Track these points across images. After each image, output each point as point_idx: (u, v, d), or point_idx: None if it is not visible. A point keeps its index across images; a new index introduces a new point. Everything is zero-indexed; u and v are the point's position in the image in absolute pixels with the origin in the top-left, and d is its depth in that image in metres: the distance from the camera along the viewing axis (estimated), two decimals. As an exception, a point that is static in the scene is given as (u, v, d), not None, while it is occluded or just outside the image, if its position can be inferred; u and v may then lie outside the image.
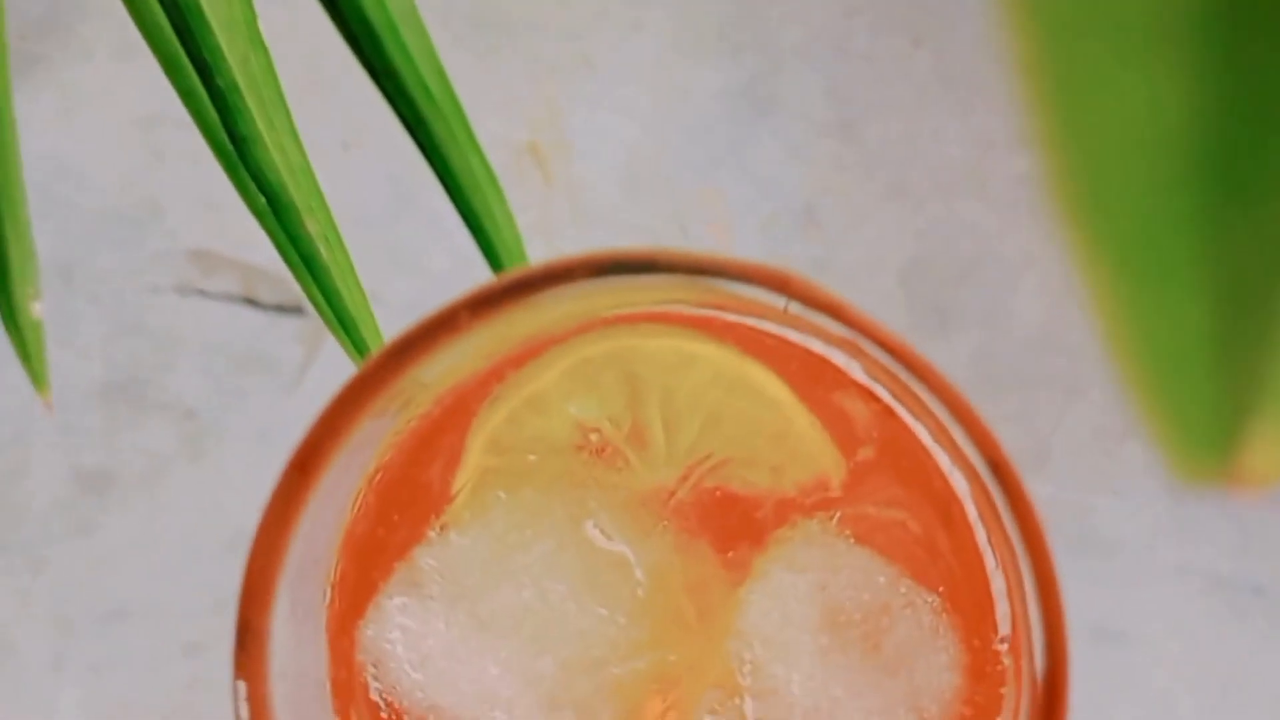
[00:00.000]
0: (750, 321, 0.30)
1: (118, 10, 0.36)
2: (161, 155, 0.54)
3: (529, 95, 0.52)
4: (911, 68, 0.52)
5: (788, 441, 0.30)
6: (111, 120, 0.54)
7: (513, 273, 0.25)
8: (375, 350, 0.26)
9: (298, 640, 0.28)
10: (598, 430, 0.30)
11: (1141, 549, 0.45)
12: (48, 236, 0.56)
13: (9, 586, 0.50)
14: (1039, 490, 0.46)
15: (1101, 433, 0.49)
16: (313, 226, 0.35)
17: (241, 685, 0.26)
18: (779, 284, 0.23)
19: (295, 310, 0.53)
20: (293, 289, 0.53)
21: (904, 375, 0.24)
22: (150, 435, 0.52)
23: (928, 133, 0.51)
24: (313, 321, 0.53)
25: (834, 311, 0.23)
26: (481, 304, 0.26)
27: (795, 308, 0.24)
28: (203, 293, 0.53)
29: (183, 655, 0.50)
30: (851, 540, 0.29)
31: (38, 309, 0.41)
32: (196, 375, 0.52)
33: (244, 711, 0.26)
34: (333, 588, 0.29)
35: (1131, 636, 0.48)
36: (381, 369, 0.25)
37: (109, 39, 0.56)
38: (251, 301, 0.52)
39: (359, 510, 0.30)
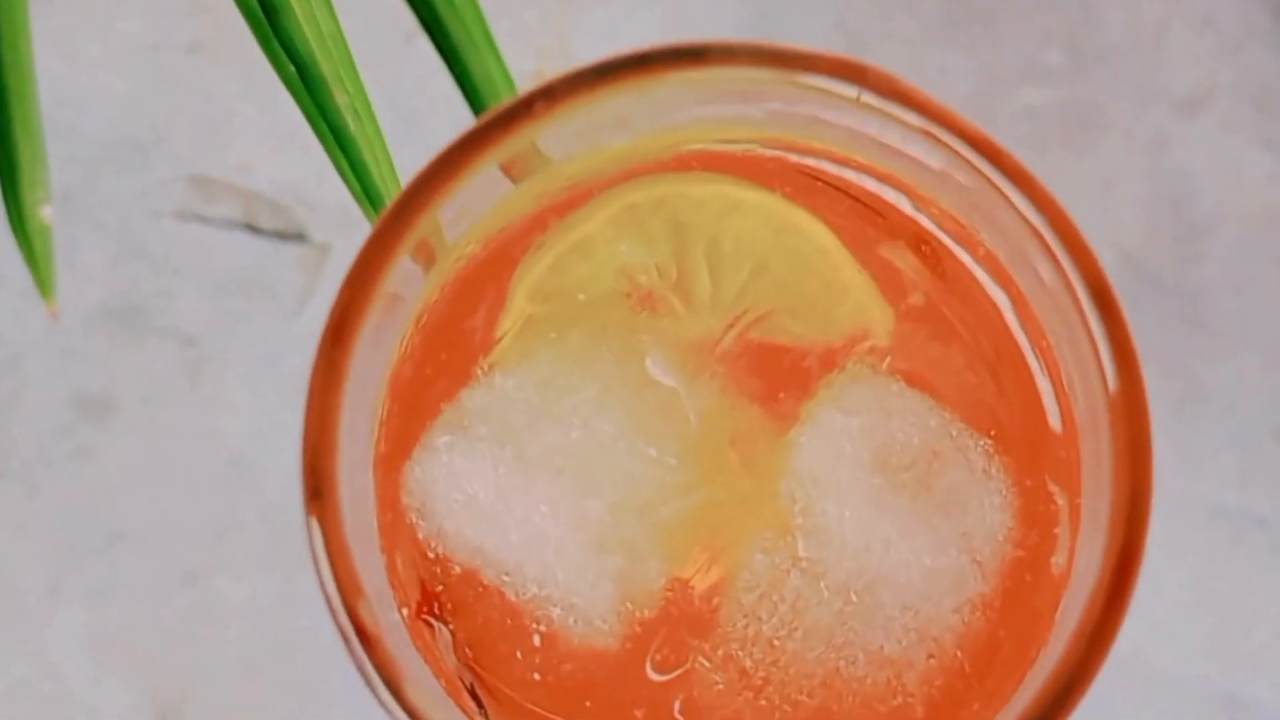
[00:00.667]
0: (802, 161, 0.30)
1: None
2: (166, 82, 0.54)
3: (538, 25, 0.52)
4: (918, 4, 0.52)
5: (835, 290, 0.30)
6: (115, 47, 0.53)
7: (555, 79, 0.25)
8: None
9: (350, 483, 0.27)
10: (644, 276, 0.30)
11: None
12: (50, 162, 0.55)
13: (6, 512, 0.49)
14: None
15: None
16: (341, 98, 0.35)
17: (315, 525, 0.25)
18: (855, 72, 0.23)
19: (297, 237, 0.52)
20: (294, 216, 0.52)
21: (985, 166, 0.23)
22: (150, 360, 0.51)
23: (934, 68, 0.52)
24: (314, 249, 0.52)
25: (909, 98, 0.23)
26: (493, 127, 0.26)
27: (869, 97, 0.24)
28: (203, 219, 0.52)
29: (181, 582, 0.49)
30: (903, 383, 0.29)
31: (47, 213, 0.40)
32: (197, 301, 0.51)
33: (320, 551, 0.26)
34: (380, 427, 0.29)
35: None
36: (411, 202, 0.25)
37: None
38: (252, 228, 0.52)
39: (405, 352, 0.29)
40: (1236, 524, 0.49)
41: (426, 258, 0.27)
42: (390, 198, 0.34)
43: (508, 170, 0.27)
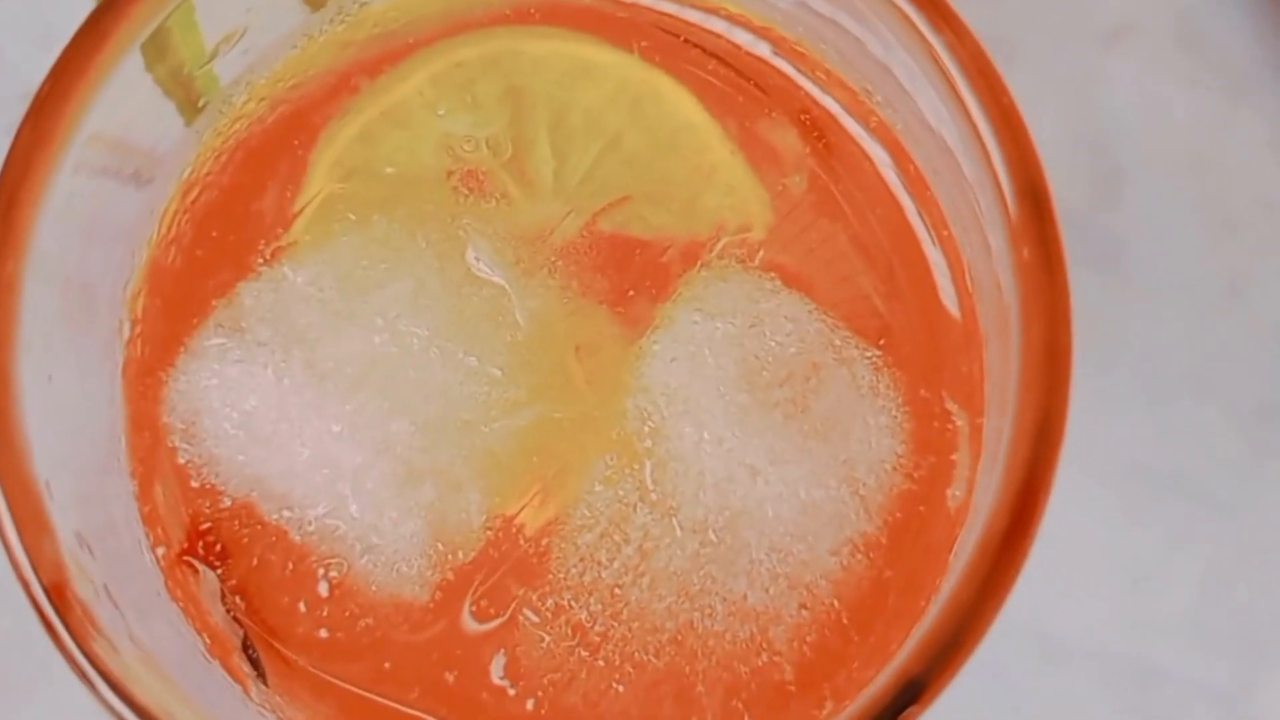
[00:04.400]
0: (662, 8, 0.24)
1: None
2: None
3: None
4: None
5: (701, 172, 0.25)
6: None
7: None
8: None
9: (76, 383, 0.21)
10: (471, 150, 0.25)
11: None
12: None
13: None
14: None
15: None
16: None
17: None
18: None
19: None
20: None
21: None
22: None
23: None
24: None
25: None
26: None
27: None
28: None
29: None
30: (778, 281, 0.24)
31: None
32: None
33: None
34: (134, 323, 0.23)
35: (1044, 523, 0.44)
36: None
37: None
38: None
39: (170, 233, 0.24)
40: (1150, 481, 0.45)
41: (184, 92, 0.21)
42: None
43: None
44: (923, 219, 0.24)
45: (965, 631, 0.18)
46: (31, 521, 0.19)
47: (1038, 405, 0.20)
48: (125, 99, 0.20)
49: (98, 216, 0.22)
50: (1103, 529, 0.43)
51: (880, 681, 0.18)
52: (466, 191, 0.25)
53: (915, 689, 0.18)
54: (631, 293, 0.24)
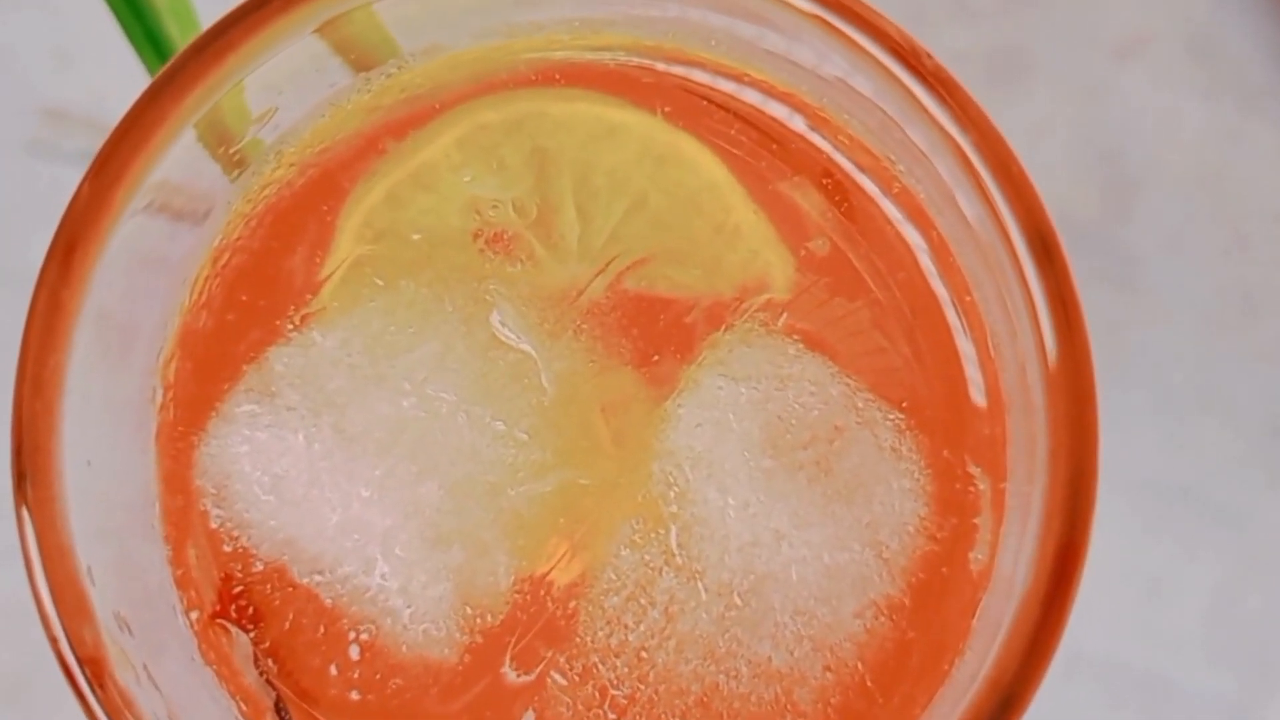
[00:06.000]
0: (687, 75, 0.25)
1: None
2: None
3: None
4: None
5: (725, 233, 0.25)
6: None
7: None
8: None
9: (111, 455, 0.22)
10: (497, 210, 0.25)
11: None
12: None
13: None
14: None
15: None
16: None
17: (26, 516, 0.20)
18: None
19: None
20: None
21: (900, 71, 0.19)
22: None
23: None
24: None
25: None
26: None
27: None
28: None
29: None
30: (801, 345, 0.24)
31: None
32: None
33: (33, 550, 0.20)
34: (166, 389, 0.24)
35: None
36: (193, 61, 0.19)
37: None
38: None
39: (201, 298, 0.24)
40: (1162, 495, 0.46)
41: (231, 161, 0.22)
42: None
43: (344, 52, 0.22)
44: (945, 285, 0.24)
45: (1012, 700, 0.18)
46: (74, 610, 0.19)
47: (1067, 478, 0.20)
48: (175, 163, 0.20)
49: (133, 288, 0.22)
50: (1116, 542, 0.44)
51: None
52: (493, 254, 0.25)
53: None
54: (656, 357, 0.24)
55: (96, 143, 0.48)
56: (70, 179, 0.47)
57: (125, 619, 0.20)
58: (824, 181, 0.24)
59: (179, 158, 0.20)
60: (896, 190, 0.24)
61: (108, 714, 0.18)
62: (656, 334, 0.25)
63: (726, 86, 0.24)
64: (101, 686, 0.18)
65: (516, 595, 0.24)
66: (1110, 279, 0.47)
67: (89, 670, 0.18)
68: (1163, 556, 0.46)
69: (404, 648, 0.24)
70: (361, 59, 0.22)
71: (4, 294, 0.44)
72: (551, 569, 0.24)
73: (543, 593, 0.24)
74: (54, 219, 0.46)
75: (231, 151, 0.22)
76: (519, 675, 0.24)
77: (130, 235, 0.20)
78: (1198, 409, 0.46)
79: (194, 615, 0.23)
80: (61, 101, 0.46)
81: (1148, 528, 0.46)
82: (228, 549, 0.24)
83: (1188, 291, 0.47)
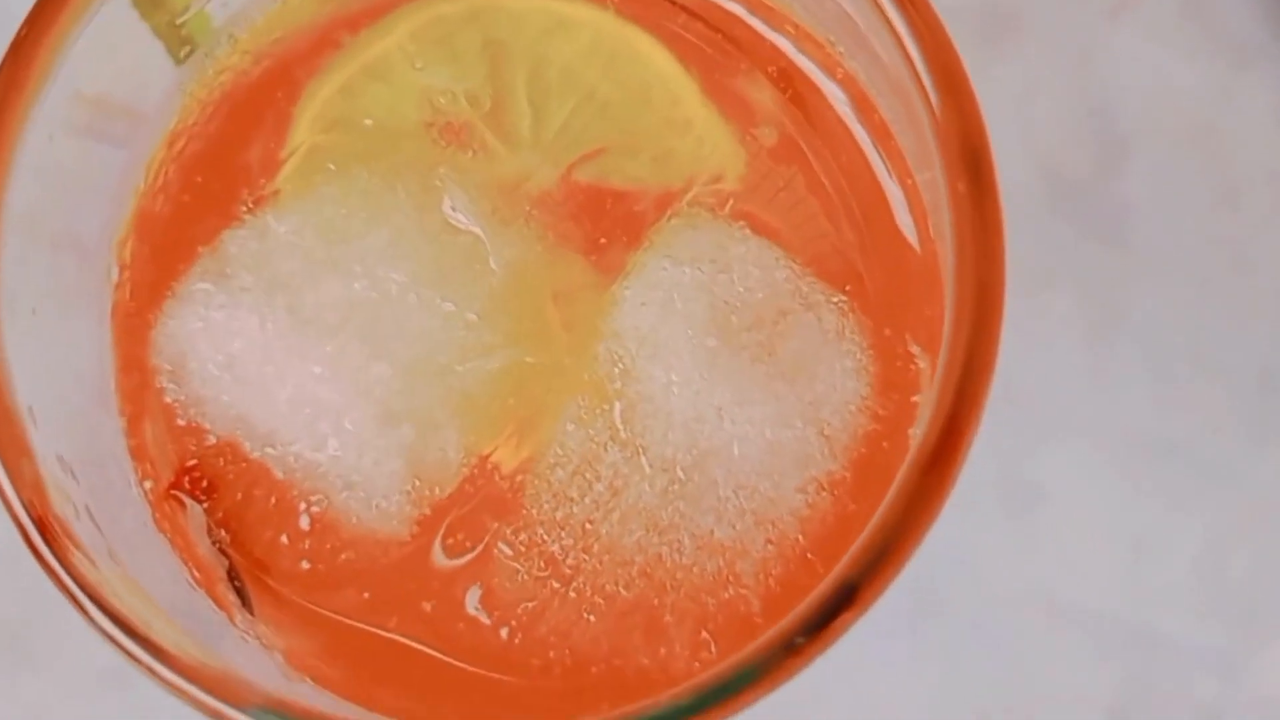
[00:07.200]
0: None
1: None
2: None
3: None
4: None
5: (676, 125, 0.25)
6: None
7: None
8: None
9: (59, 316, 0.22)
10: (451, 103, 0.25)
11: (1060, 402, 0.42)
12: None
13: None
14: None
15: (1020, 279, 0.46)
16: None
17: None
18: None
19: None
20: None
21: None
22: None
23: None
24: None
25: None
26: None
27: None
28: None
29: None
30: (747, 229, 0.25)
31: None
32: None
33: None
34: (122, 269, 0.24)
35: (1047, 490, 0.44)
36: None
37: None
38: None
39: (157, 181, 0.25)
40: (1150, 451, 0.45)
41: (175, 36, 0.22)
42: None
43: None
44: (886, 166, 0.24)
45: (896, 543, 0.19)
46: (10, 444, 0.19)
47: (969, 338, 0.20)
48: (111, 44, 0.20)
49: (82, 170, 0.22)
50: (1104, 497, 0.44)
51: (819, 590, 0.18)
52: (445, 143, 0.25)
53: (849, 593, 0.18)
54: (604, 241, 0.25)
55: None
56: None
57: (70, 465, 0.21)
58: (770, 70, 0.25)
59: (117, 43, 0.20)
60: (840, 75, 0.24)
61: (46, 540, 0.19)
62: (606, 223, 0.25)
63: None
64: (41, 518, 0.19)
65: (465, 470, 0.24)
66: (1101, 236, 0.47)
67: (24, 497, 0.19)
68: (1151, 512, 0.45)
69: (354, 520, 0.24)
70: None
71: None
72: (499, 445, 0.25)
73: (490, 468, 0.24)
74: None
75: (178, 24, 0.23)
76: (467, 546, 0.24)
77: (71, 110, 0.20)
78: (1188, 365, 0.46)
79: (148, 485, 0.24)
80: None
81: (1136, 484, 0.46)
82: (182, 424, 0.24)
83: (1179, 248, 0.47)
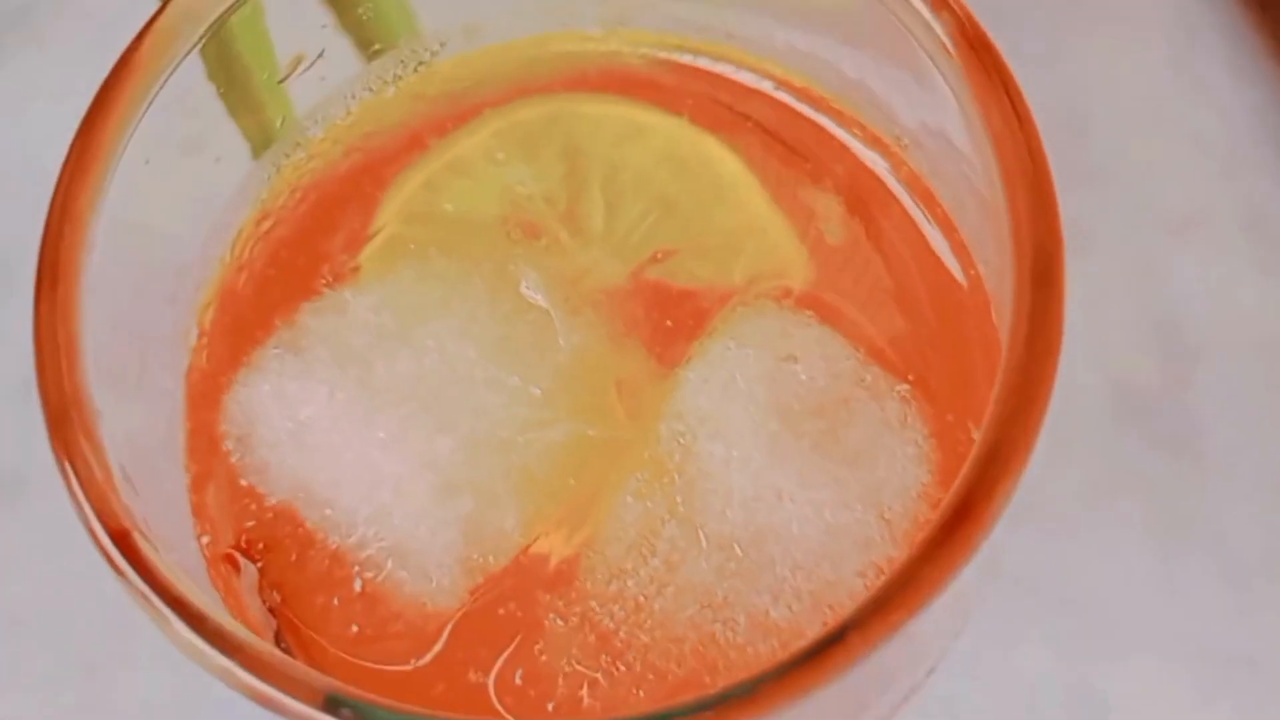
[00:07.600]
0: (713, 69, 0.26)
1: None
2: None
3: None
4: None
5: (743, 229, 0.26)
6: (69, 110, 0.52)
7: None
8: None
9: (145, 401, 0.23)
10: (528, 199, 0.26)
11: (1131, 613, 0.41)
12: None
13: None
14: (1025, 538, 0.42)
15: (1090, 489, 0.46)
16: None
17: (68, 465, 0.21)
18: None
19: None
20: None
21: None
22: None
23: None
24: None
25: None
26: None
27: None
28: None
29: (80, 673, 0.44)
30: (812, 318, 0.25)
31: None
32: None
33: (76, 488, 0.21)
34: (201, 334, 0.25)
35: (1114, 703, 0.43)
36: None
37: (67, 29, 0.54)
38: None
39: (243, 256, 0.26)
40: (1224, 664, 0.44)
41: (254, 117, 0.23)
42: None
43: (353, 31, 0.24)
44: (953, 256, 0.25)
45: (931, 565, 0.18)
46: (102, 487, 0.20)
47: (1011, 411, 0.20)
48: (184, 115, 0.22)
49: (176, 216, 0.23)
50: (1174, 711, 0.42)
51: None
52: (522, 238, 0.26)
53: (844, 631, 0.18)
54: (670, 332, 0.25)
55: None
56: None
57: (131, 479, 0.21)
58: (837, 169, 0.26)
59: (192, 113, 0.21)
60: (904, 174, 0.25)
61: (130, 562, 0.19)
62: (672, 317, 0.25)
63: (745, 79, 0.26)
64: (127, 542, 0.19)
65: (521, 543, 0.24)
66: (1171, 446, 0.47)
67: (110, 528, 0.19)
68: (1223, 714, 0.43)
69: (406, 590, 0.24)
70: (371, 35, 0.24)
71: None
72: (558, 522, 0.24)
73: (547, 545, 0.24)
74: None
75: (261, 116, 0.24)
76: (519, 617, 0.24)
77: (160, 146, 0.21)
78: (1264, 577, 0.45)
79: (205, 540, 0.24)
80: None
81: (1207, 698, 0.44)
82: (244, 484, 0.24)
83: (1251, 459, 0.47)
